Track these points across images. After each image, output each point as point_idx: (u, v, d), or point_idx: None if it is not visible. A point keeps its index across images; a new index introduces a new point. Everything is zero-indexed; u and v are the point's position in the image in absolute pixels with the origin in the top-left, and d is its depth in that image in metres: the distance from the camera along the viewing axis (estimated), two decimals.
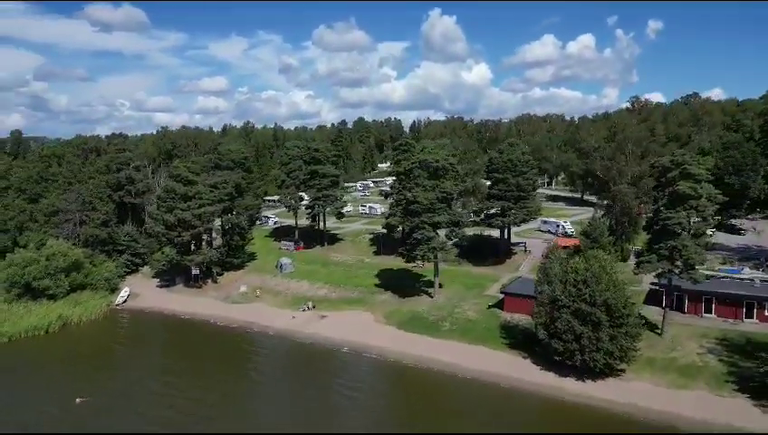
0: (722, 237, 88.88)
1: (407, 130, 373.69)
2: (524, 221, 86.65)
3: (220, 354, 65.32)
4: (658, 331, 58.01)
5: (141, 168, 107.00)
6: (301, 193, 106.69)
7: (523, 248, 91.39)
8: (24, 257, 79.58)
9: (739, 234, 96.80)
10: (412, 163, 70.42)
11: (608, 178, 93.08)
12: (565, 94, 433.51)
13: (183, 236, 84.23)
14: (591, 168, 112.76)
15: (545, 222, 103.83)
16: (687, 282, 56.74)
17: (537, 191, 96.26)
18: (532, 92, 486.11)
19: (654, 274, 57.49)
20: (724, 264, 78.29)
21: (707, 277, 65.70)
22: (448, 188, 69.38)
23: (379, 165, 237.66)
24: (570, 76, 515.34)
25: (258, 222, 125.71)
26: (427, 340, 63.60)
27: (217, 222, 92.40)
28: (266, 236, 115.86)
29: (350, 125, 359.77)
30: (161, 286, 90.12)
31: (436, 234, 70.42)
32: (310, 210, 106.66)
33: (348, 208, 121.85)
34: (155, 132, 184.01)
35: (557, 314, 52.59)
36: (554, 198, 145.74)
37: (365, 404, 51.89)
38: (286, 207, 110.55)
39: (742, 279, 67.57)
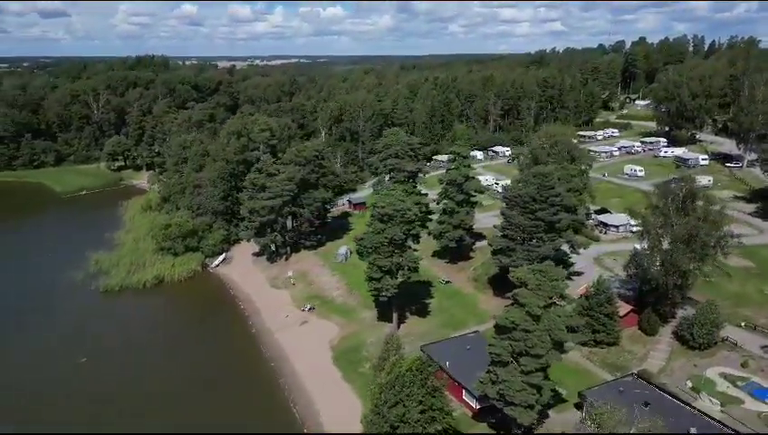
0: None
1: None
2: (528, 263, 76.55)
3: (192, 343, 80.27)
4: None
5: (277, 144, 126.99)
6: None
7: None
8: (157, 224, 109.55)
9: None
10: (374, 208, 71.87)
11: None
12: None
13: (255, 221, 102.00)
14: None
15: None
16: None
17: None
18: None
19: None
20: None
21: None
22: (391, 233, 68.61)
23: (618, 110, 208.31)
24: None
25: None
26: (335, 379, 68.27)
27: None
28: None
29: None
30: (254, 255, 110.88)
31: (385, 274, 71.09)
32: None
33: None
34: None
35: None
36: None
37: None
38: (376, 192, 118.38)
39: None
